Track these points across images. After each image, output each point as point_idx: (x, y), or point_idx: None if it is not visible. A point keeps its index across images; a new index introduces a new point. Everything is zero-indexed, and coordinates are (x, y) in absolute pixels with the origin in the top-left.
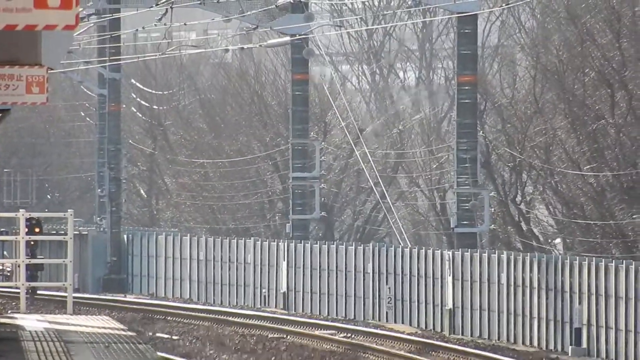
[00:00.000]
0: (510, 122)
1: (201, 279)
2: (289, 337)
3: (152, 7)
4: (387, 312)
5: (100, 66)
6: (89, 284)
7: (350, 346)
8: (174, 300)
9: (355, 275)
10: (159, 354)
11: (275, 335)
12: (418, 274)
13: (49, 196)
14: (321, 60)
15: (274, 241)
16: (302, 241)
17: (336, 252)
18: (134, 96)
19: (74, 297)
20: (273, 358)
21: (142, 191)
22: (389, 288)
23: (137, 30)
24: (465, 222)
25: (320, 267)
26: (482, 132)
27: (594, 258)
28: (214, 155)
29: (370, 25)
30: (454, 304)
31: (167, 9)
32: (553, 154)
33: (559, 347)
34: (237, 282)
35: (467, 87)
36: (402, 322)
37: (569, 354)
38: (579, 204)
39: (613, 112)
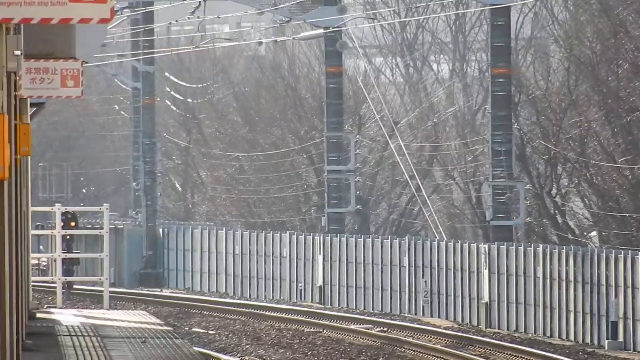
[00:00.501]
0: (545, 114)
1: (237, 273)
2: (325, 331)
3: (185, 0)
4: (423, 306)
5: (134, 59)
6: (124, 278)
7: (387, 340)
8: (210, 295)
9: (391, 268)
10: (196, 348)
11: (311, 330)
12: (454, 267)
13: (84, 190)
14: (355, 53)
15: (310, 235)
16: (338, 235)
17: (372, 246)
18: (168, 89)
19: (110, 292)
20: (309, 352)
21: (177, 185)
22: (425, 282)
23: (170, 23)
24: (500, 215)
25: (356, 260)
26: (517, 125)
27: (629, 251)
28: (249, 148)
29: (403, 18)
30: (490, 298)
31: (200, 2)
32: (588, 146)
33: (595, 341)
34: (272, 276)
35: (501, 79)
36: (439, 316)
37: (606, 348)
38: (615, 197)
39: None
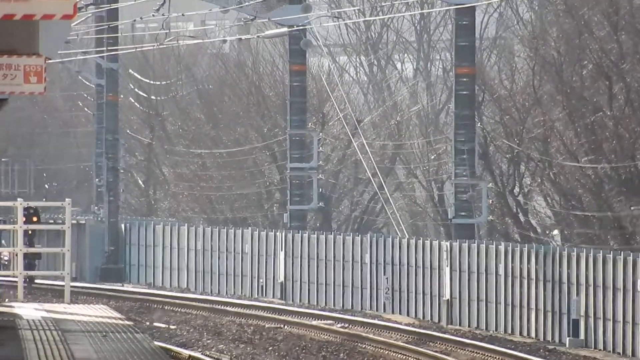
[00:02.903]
0: (509, 113)
1: (199, 268)
2: (286, 327)
3: None
4: (384, 303)
5: (98, 56)
6: (86, 273)
7: (348, 336)
8: (172, 290)
9: (352, 265)
10: (156, 343)
11: (272, 325)
12: (416, 264)
13: (46, 186)
14: (319, 52)
15: (272, 231)
16: (300, 231)
17: (334, 243)
18: (132, 86)
19: (72, 287)
20: (270, 348)
21: (139, 181)
22: (387, 278)
23: (134, 20)
24: (463, 213)
25: (317, 257)
26: (480, 124)
27: (591, 249)
28: (212, 145)
29: (368, 17)
30: (451, 295)
31: (165, 0)
32: (551, 145)
33: (557, 339)
34: (234, 272)
35: (465, 79)
36: (400, 313)
37: (567, 345)
38: (577, 196)
39: (611, 104)
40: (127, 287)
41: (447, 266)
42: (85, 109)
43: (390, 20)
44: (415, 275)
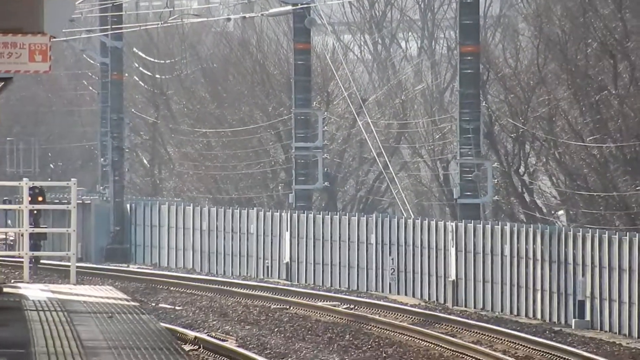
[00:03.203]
0: (513, 92)
1: (204, 249)
2: (291, 308)
3: None
4: (390, 284)
5: (102, 35)
6: (92, 253)
7: (354, 317)
8: (177, 271)
9: (358, 246)
10: (162, 324)
11: (278, 306)
12: (421, 245)
13: (51, 165)
14: (323, 30)
15: (277, 211)
16: (305, 211)
17: (339, 223)
18: (136, 65)
19: (77, 267)
20: (276, 329)
21: (144, 160)
22: (392, 259)
23: None
24: (468, 193)
25: (323, 237)
26: (485, 103)
27: (597, 230)
28: (217, 124)
29: None
30: (457, 276)
31: None
32: (556, 124)
33: (562, 320)
34: (240, 253)
35: (469, 57)
36: (405, 294)
37: (572, 326)
38: (582, 176)
39: (616, 83)
40: (133, 268)
41: (453, 247)
42: (90, 88)
43: None
44: (421, 255)
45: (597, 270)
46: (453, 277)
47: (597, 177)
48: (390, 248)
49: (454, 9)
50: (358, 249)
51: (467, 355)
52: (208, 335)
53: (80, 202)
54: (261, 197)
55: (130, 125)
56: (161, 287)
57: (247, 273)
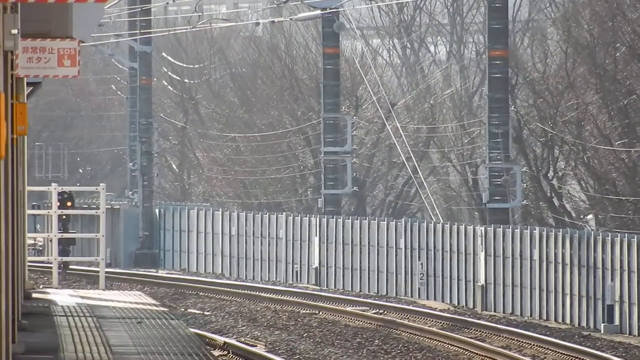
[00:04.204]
0: (542, 96)
1: (233, 254)
2: (321, 313)
3: None
4: (419, 288)
5: (131, 39)
6: (121, 258)
7: (382, 322)
8: (206, 276)
9: (387, 251)
10: (191, 329)
11: (307, 311)
12: (450, 249)
13: (80, 170)
14: (352, 34)
15: (306, 216)
16: (334, 216)
17: (368, 228)
18: (165, 70)
19: (106, 272)
20: (305, 334)
21: (173, 165)
22: (421, 264)
23: (167, 3)
24: (497, 198)
25: (352, 242)
26: (514, 107)
27: (626, 234)
28: (246, 129)
29: None
30: (486, 280)
31: None
32: (585, 129)
33: (592, 324)
34: (269, 258)
35: (498, 62)
36: (435, 299)
37: (602, 331)
38: (611, 180)
39: None
40: (162, 273)
41: (482, 251)
42: (119, 93)
43: (423, 3)
44: (450, 260)
45: (626, 274)
46: (482, 281)
47: (625, 181)
48: (419, 253)
49: (482, 13)
50: (387, 254)
51: None
52: (237, 340)
53: (109, 207)
54: (290, 202)
55: (159, 130)
56: (190, 292)
57: (276, 278)
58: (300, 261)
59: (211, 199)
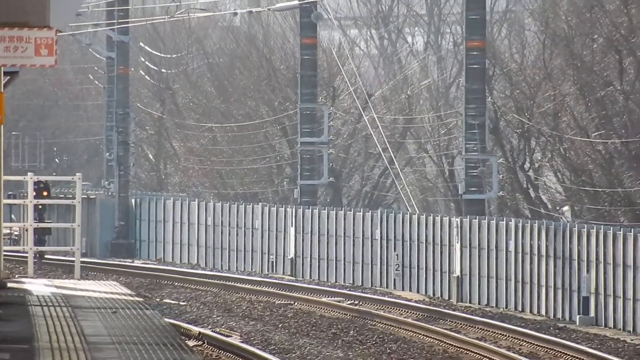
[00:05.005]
0: (519, 88)
1: (209, 244)
2: (296, 303)
3: None
4: (394, 279)
5: (108, 29)
6: (96, 248)
7: (358, 313)
8: (182, 266)
9: (363, 241)
10: (166, 319)
11: (282, 302)
12: (426, 240)
13: (57, 160)
14: (330, 25)
15: (282, 207)
16: (310, 207)
17: (344, 218)
18: (143, 59)
19: (82, 262)
20: (280, 324)
21: (150, 155)
22: (397, 255)
23: None
24: (473, 189)
25: (328, 233)
26: (491, 98)
27: (602, 226)
28: (223, 119)
29: None
30: (461, 272)
31: None
32: (561, 120)
33: (567, 316)
34: (244, 248)
35: (475, 52)
36: (410, 290)
37: (577, 323)
38: (588, 171)
39: (621, 78)
40: (137, 263)
41: (458, 242)
42: (96, 82)
43: None
44: (426, 251)
45: (601, 266)
46: (457, 272)
47: (602, 172)
48: (395, 244)
49: (460, 3)
50: (363, 245)
51: (471, 351)
52: (212, 330)
53: (85, 196)
54: (266, 193)
55: (135, 120)
56: (165, 282)
57: (251, 268)
58: (276, 252)
59: (187, 189)
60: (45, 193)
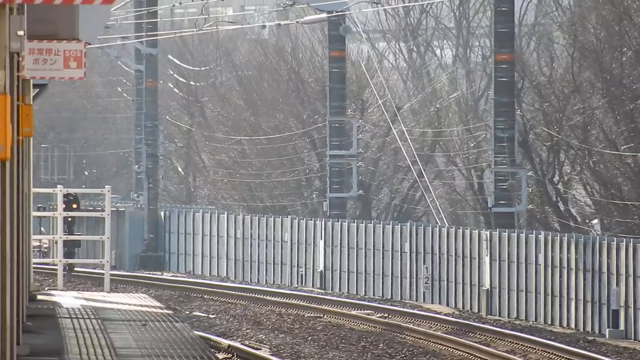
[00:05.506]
0: (548, 100)
1: (238, 257)
2: (325, 316)
3: None
4: (424, 292)
5: (137, 42)
6: (126, 261)
7: (387, 326)
8: (211, 279)
9: (392, 254)
10: (196, 332)
11: (311, 315)
12: (455, 253)
13: (86, 172)
14: (358, 38)
15: (311, 219)
16: (340, 220)
17: (373, 231)
18: (171, 72)
19: (111, 275)
20: (310, 337)
21: (179, 168)
22: (426, 268)
23: (174, 5)
24: (502, 202)
25: (357, 246)
26: (520, 111)
27: (631, 239)
28: (251, 132)
29: (407, 2)
30: (491, 285)
31: None
32: (590, 133)
33: (596, 329)
34: (274, 261)
35: (504, 66)
36: (439, 303)
37: (606, 336)
38: (617, 185)
39: None
40: (167, 276)
41: (487, 255)
42: (125, 95)
43: (430, 6)
44: (455, 264)
45: (631, 279)
46: (487, 286)
47: (631, 186)
48: (424, 256)
49: (489, 17)
50: (392, 258)
51: None
52: (242, 343)
53: (115, 209)
54: (295, 205)
55: (164, 133)
56: (195, 295)
57: (281, 281)
58: (305, 264)
59: (216, 201)
60: (74, 205)
